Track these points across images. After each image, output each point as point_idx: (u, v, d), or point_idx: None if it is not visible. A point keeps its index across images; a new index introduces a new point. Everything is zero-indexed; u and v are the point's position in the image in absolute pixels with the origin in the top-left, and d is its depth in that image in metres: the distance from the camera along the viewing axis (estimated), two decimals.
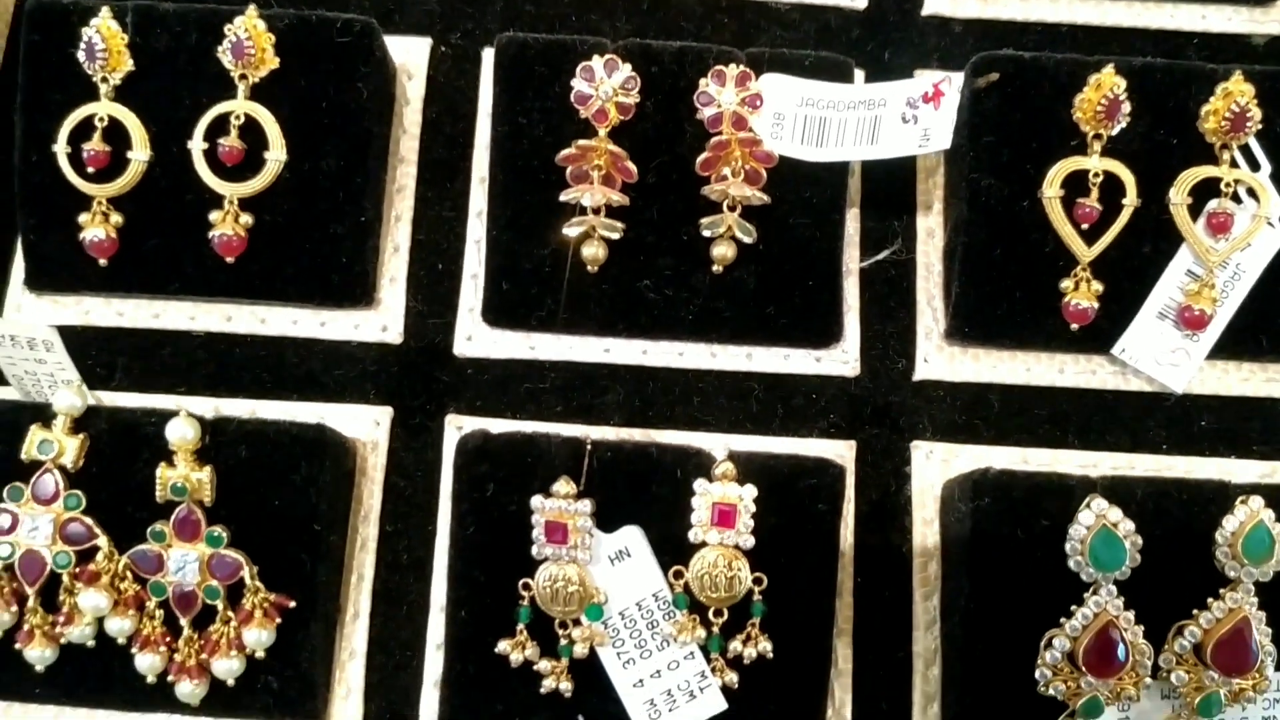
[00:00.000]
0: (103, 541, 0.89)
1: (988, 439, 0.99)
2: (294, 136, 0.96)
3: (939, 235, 1.02)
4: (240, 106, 0.95)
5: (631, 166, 0.95)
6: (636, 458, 0.90)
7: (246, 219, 0.95)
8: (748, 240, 0.95)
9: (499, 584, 0.89)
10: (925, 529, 0.97)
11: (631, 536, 0.89)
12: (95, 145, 0.95)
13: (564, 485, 0.88)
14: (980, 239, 0.97)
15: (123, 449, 0.91)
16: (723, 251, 0.95)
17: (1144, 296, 0.96)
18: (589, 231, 0.95)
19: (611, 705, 0.89)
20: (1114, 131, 0.96)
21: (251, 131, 0.95)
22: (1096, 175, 0.95)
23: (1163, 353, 0.97)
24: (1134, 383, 0.99)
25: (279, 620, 0.90)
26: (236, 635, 0.89)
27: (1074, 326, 0.96)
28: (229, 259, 0.95)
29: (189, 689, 0.89)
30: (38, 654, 0.89)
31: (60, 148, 0.95)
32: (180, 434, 0.89)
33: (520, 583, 0.89)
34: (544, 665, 0.89)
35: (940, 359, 1.00)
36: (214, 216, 0.95)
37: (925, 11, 1.06)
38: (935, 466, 0.98)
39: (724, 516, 0.88)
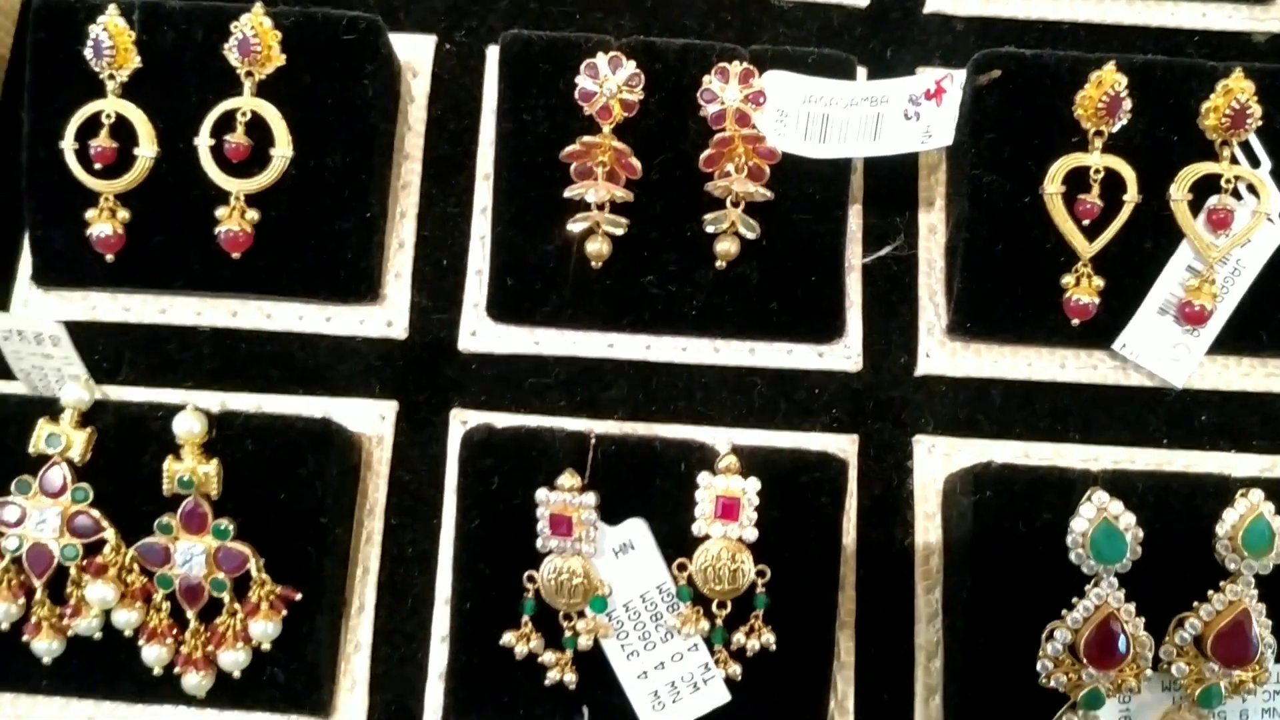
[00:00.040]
0: (110, 534, 0.89)
1: (989, 434, 0.99)
2: (300, 133, 0.96)
3: (941, 231, 1.02)
4: (246, 103, 0.96)
5: (635, 163, 0.95)
6: (640, 451, 0.91)
7: (252, 215, 0.96)
8: (751, 236, 0.95)
9: (504, 576, 0.90)
10: (927, 523, 0.97)
11: (635, 529, 0.90)
12: (102, 142, 0.95)
13: (569, 478, 0.89)
14: (982, 235, 0.97)
15: (130, 442, 0.91)
16: (726, 247, 0.95)
17: (1145, 292, 0.97)
18: (593, 227, 0.95)
19: (616, 697, 0.90)
20: (1115, 128, 0.96)
21: (257, 128, 0.96)
22: (1097, 172, 0.96)
23: (1163, 348, 0.97)
24: (1135, 378, 1.00)
25: (285, 613, 0.90)
26: (243, 627, 0.90)
27: (1075, 322, 0.96)
28: (235, 254, 0.96)
29: (195, 681, 0.90)
30: (45, 646, 0.89)
31: (68, 144, 0.96)
32: (187, 427, 0.89)
33: (525, 575, 0.89)
34: (548, 657, 0.89)
35: (942, 354, 1.00)
36: (220, 212, 0.96)
37: (927, 9, 1.07)
38: (937, 461, 0.98)
39: (727, 509, 0.88)
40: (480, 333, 1.00)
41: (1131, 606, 0.87)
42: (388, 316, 1.00)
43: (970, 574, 0.91)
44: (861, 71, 1.02)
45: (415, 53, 1.05)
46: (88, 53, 0.96)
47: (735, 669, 0.89)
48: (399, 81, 1.03)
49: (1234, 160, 0.97)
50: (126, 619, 0.89)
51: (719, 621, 0.89)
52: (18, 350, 0.92)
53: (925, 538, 0.97)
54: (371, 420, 0.98)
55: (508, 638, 0.89)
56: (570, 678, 0.89)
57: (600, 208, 0.95)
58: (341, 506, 0.94)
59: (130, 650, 0.90)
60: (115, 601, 0.89)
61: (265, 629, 0.89)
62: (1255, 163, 0.97)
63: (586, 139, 0.94)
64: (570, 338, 0.99)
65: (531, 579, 0.89)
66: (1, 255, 1.02)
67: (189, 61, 0.97)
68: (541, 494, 0.89)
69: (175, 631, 0.90)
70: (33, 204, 0.97)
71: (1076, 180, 0.96)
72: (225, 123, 0.96)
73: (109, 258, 0.96)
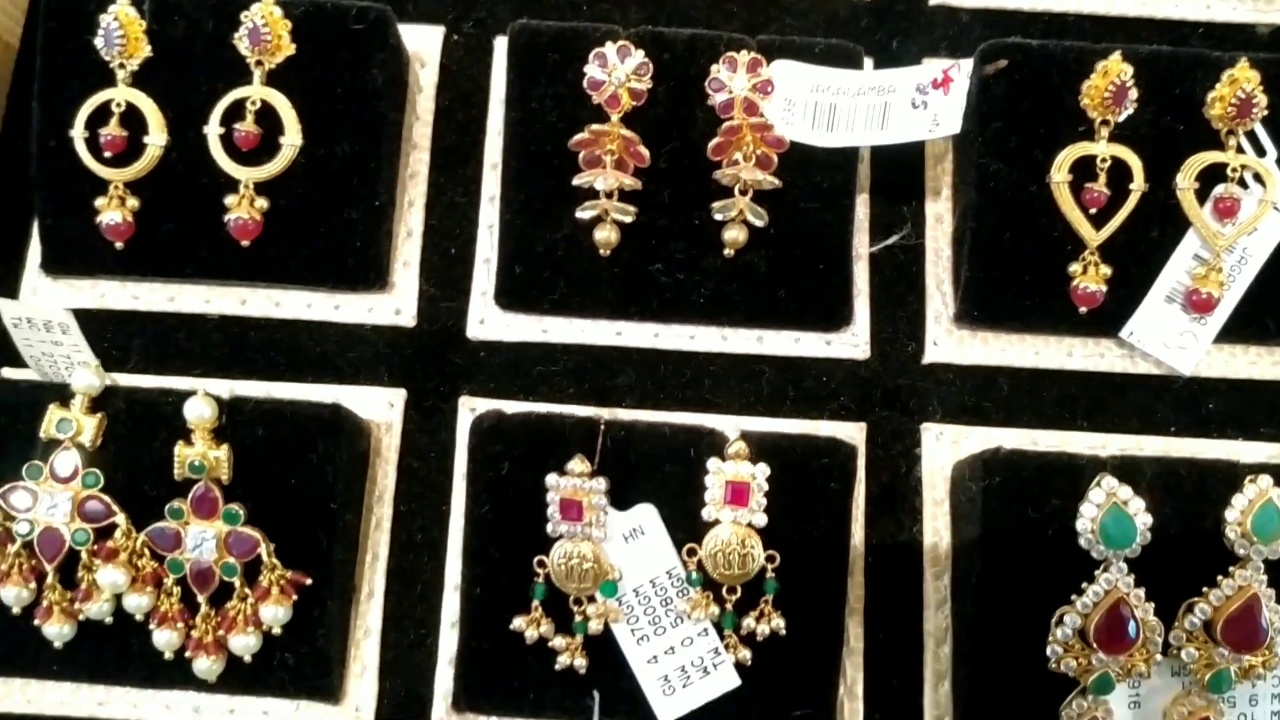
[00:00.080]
0: (121, 519, 0.89)
1: (997, 421, 0.99)
2: (309, 122, 0.97)
3: (948, 220, 1.03)
4: (256, 92, 0.96)
5: (644, 151, 0.96)
6: (650, 437, 0.91)
7: (262, 203, 0.96)
8: (759, 224, 0.96)
9: (514, 561, 0.90)
10: (935, 509, 0.97)
11: (645, 514, 0.90)
12: (112, 130, 0.96)
13: (579, 464, 0.89)
14: (989, 224, 0.97)
15: (140, 428, 0.91)
16: (734, 235, 0.96)
17: (1152, 280, 0.97)
18: (601, 215, 0.95)
19: (625, 681, 0.90)
20: (1121, 118, 0.97)
21: (267, 117, 0.96)
22: (1104, 161, 0.96)
23: (1170, 336, 0.98)
24: (1142, 366, 1.00)
25: (295, 597, 0.90)
26: (253, 612, 0.90)
27: (1082, 310, 0.97)
28: (244, 243, 0.96)
29: (206, 665, 0.90)
30: (56, 630, 0.89)
31: (78, 133, 0.96)
32: (198, 412, 0.89)
33: (535, 560, 0.89)
34: (559, 642, 0.89)
35: (949, 342, 1.01)
36: (229, 201, 0.96)
37: (933, 0, 1.07)
38: (945, 448, 0.98)
39: (737, 495, 0.89)
40: (488, 321, 1.00)
41: (1141, 591, 0.87)
42: (396, 304, 1.00)
43: (979, 560, 0.91)
44: (868, 63, 1.03)
45: (423, 43, 1.05)
46: (98, 42, 0.96)
47: (745, 654, 0.89)
48: (407, 71, 1.04)
49: (1240, 149, 0.97)
50: (137, 603, 0.89)
51: (729, 606, 0.89)
52: (27, 338, 0.92)
53: (934, 524, 0.97)
54: (380, 407, 0.98)
55: (518, 623, 0.89)
56: (580, 662, 0.89)
57: (609, 195, 0.95)
58: (351, 492, 0.94)
59: (141, 635, 0.90)
60: (126, 586, 0.89)
61: (276, 614, 0.89)
62: (1261, 152, 0.97)
63: (595, 127, 0.95)
64: (578, 325, 0.99)
65: (541, 564, 0.89)
66: (11, 243, 1.02)
67: (199, 51, 0.97)
68: (552, 479, 0.89)
69: (186, 616, 0.90)
70: (42, 192, 0.97)
71: (1083, 169, 0.96)
72: (235, 111, 0.96)
73: (118, 246, 0.97)
